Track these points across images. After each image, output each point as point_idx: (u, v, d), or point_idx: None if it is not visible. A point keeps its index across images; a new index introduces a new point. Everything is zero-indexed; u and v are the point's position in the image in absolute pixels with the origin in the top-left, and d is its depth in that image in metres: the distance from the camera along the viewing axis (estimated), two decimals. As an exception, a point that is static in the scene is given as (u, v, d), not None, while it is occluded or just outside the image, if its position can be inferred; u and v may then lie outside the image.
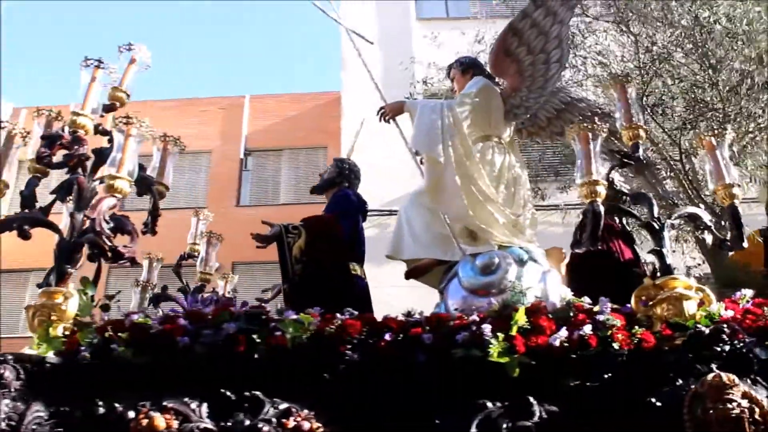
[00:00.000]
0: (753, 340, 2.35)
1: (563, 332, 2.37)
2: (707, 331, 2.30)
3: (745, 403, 2.15)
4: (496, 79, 3.84)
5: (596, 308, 2.51)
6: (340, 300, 3.22)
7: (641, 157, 2.90)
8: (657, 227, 2.69)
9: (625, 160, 2.84)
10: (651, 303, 2.54)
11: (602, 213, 2.61)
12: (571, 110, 3.82)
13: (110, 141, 2.95)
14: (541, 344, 2.36)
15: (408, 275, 3.53)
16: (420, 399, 2.39)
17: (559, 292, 2.97)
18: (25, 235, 2.62)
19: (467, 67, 3.91)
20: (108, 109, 3.00)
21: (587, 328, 2.38)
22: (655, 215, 2.75)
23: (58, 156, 2.78)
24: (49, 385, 2.36)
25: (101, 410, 2.29)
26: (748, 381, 2.25)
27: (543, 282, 3.06)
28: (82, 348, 2.47)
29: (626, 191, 3.05)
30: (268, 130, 13.47)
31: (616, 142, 3.56)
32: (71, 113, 2.73)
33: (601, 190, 2.64)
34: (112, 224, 2.51)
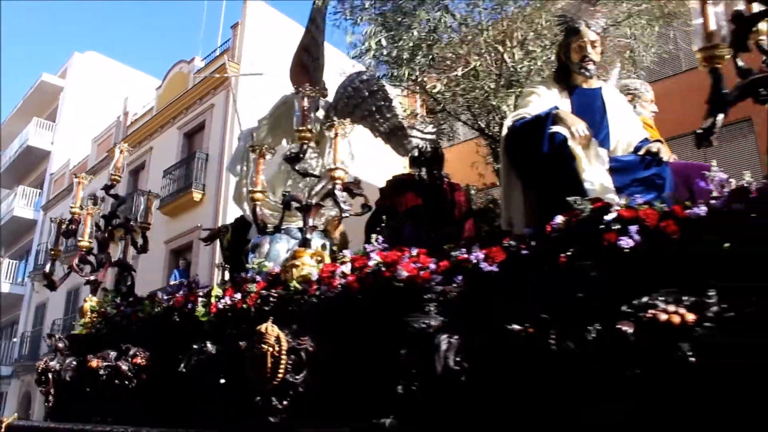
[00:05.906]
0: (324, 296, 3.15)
1: (227, 299, 3.63)
2: (266, 293, 3.25)
3: (274, 342, 3.11)
4: None
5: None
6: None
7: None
8: (303, 208, 3.54)
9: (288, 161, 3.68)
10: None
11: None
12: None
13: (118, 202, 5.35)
14: (218, 307, 3.69)
15: None
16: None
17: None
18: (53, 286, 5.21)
19: None
20: (107, 188, 5.32)
21: (237, 295, 3.58)
22: (310, 196, 3.58)
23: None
24: (80, 348, 4.91)
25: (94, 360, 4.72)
26: (295, 327, 3.14)
27: (288, 252, 4.08)
28: (93, 328, 4.93)
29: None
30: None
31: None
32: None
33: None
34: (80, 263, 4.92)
